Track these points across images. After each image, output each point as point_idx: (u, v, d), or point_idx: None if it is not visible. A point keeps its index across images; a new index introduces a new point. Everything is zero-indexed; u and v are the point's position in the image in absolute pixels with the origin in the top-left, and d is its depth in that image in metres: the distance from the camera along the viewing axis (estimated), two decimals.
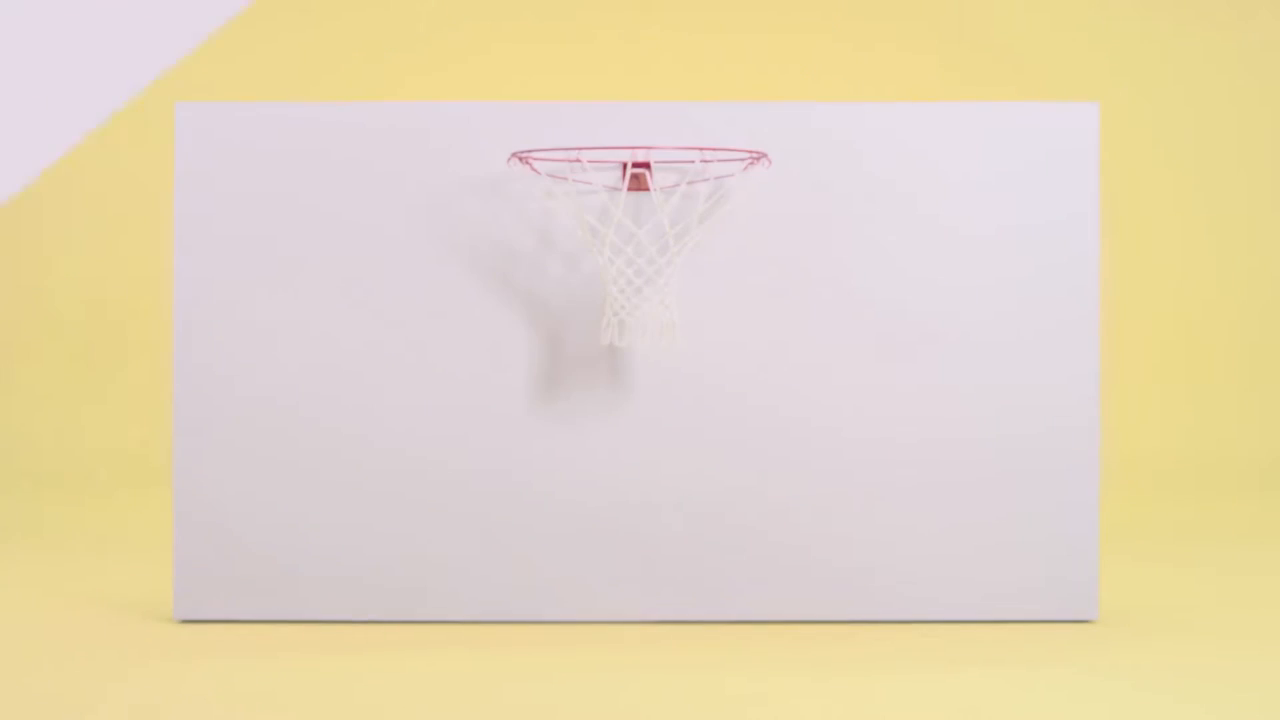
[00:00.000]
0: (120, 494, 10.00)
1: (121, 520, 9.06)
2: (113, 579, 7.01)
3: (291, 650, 5.57)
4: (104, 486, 10.22)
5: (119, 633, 5.84)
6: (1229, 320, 11.65)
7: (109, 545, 8.09)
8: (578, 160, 5.98)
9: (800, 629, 6.04)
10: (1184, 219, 11.82)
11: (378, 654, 5.52)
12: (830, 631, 5.99)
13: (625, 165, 6.00)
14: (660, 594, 6.14)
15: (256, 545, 6.06)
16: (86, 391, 11.04)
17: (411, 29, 11.70)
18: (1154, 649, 5.71)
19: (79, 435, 10.85)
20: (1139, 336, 11.53)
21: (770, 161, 6.07)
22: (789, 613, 6.14)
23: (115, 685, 5.02)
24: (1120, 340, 11.51)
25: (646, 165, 6.02)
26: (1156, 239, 11.79)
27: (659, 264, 6.03)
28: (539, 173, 6.03)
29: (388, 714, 4.76)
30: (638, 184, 6.04)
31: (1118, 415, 10.98)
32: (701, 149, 5.93)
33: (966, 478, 6.17)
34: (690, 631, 5.98)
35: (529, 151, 5.99)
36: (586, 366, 6.15)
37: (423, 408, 6.09)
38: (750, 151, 6.01)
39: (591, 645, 5.72)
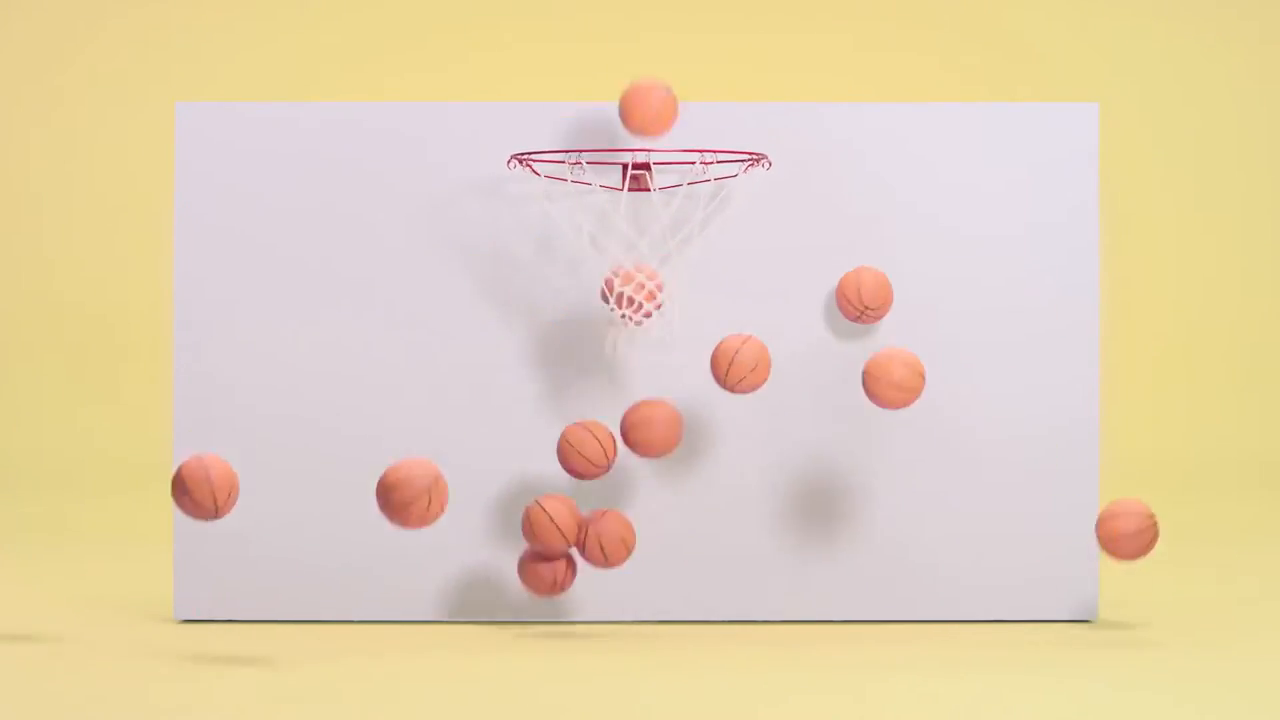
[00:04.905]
0: (119, 494, 9.97)
1: (121, 520, 9.06)
2: (112, 579, 7.02)
3: (292, 651, 5.56)
4: (103, 486, 10.21)
5: (119, 633, 5.83)
6: (1229, 320, 11.64)
7: (109, 545, 8.11)
8: (578, 163, 5.98)
9: (799, 629, 6.05)
10: (1184, 219, 11.81)
11: (379, 656, 5.51)
12: (829, 631, 6.00)
13: (625, 166, 6.00)
14: (655, 594, 6.14)
15: (257, 545, 6.05)
16: (85, 392, 10.99)
17: (411, 29, 11.70)
18: (1154, 649, 5.72)
19: (77, 435, 10.80)
20: (1139, 336, 11.52)
21: (770, 163, 6.06)
22: (786, 613, 6.15)
23: (115, 686, 5.00)
24: (1121, 340, 11.50)
25: (647, 166, 6.02)
26: (1157, 239, 11.78)
27: (659, 266, 6.04)
28: (539, 174, 6.02)
29: (390, 715, 4.75)
30: (637, 185, 6.04)
31: (1118, 415, 10.97)
32: (701, 151, 5.93)
33: (966, 478, 6.18)
34: (685, 631, 5.99)
35: (530, 154, 5.98)
36: (588, 368, 6.15)
37: (424, 408, 6.10)
38: (750, 154, 6.01)
39: (596, 646, 5.73)
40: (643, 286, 5.90)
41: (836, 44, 11.81)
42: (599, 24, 11.78)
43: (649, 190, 6.05)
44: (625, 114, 5.91)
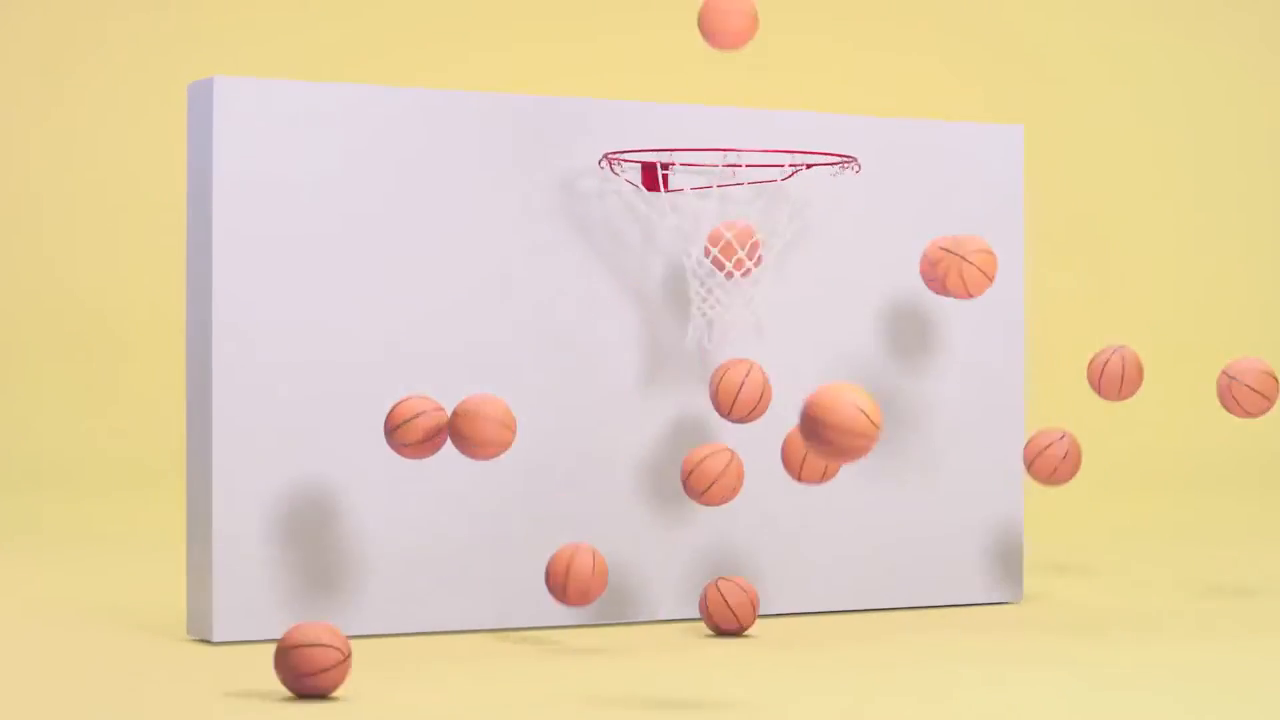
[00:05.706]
0: (116, 496, 9.96)
1: (123, 523, 9.13)
2: (118, 587, 6.98)
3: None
4: (105, 488, 10.10)
5: (127, 649, 5.69)
6: (1228, 320, 12.01)
7: (111, 549, 8.16)
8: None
9: (774, 622, 6.22)
10: (1185, 217, 12.30)
11: (379, 666, 5.40)
12: (811, 624, 6.18)
13: (642, 165, 5.99)
14: (643, 593, 6.21)
15: (267, 560, 5.86)
16: (87, 392, 10.83)
17: (424, 21, 11.66)
18: (1072, 632, 5.95)
19: (79, 436, 10.64)
20: (1137, 336, 11.70)
21: (859, 167, 6.15)
22: (769, 606, 6.36)
23: (126, 703, 4.81)
24: (1114, 339, 11.85)
25: (667, 166, 5.97)
26: (1157, 239, 11.92)
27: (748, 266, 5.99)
28: (616, 174, 5.99)
29: None
30: (658, 185, 5.99)
31: (1111, 415, 11.24)
32: (790, 151, 5.97)
33: (898, 473, 6.49)
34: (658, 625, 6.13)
35: (620, 153, 5.94)
36: (663, 367, 6.16)
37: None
38: (842, 156, 6.02)
39: (600, 646, 5.74)
40: (744, 244, 5.85)
41: (831, 47, 11.92)
42: (603, 26, 11.92)
43: (666, 190, 6.03)
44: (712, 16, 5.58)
